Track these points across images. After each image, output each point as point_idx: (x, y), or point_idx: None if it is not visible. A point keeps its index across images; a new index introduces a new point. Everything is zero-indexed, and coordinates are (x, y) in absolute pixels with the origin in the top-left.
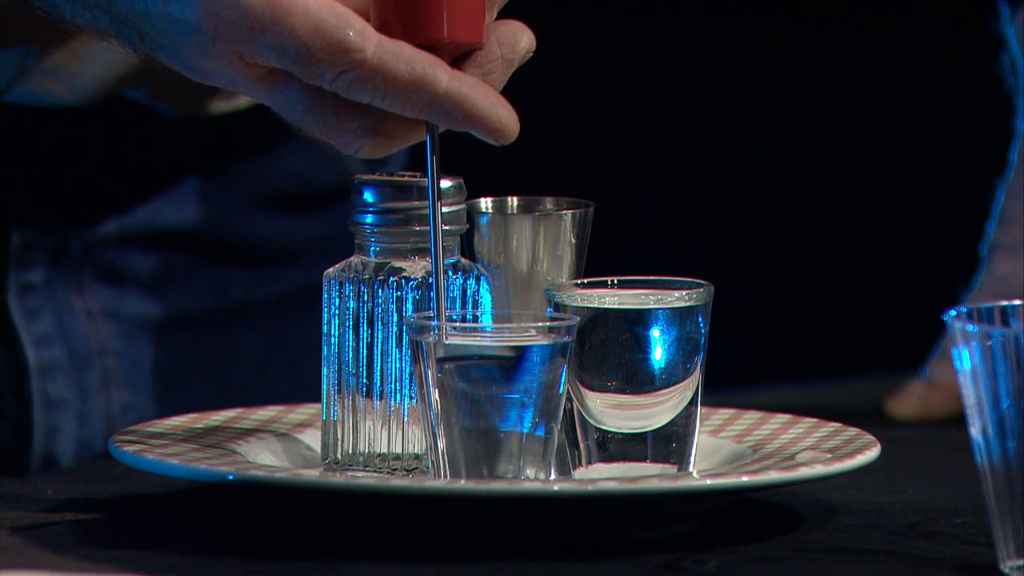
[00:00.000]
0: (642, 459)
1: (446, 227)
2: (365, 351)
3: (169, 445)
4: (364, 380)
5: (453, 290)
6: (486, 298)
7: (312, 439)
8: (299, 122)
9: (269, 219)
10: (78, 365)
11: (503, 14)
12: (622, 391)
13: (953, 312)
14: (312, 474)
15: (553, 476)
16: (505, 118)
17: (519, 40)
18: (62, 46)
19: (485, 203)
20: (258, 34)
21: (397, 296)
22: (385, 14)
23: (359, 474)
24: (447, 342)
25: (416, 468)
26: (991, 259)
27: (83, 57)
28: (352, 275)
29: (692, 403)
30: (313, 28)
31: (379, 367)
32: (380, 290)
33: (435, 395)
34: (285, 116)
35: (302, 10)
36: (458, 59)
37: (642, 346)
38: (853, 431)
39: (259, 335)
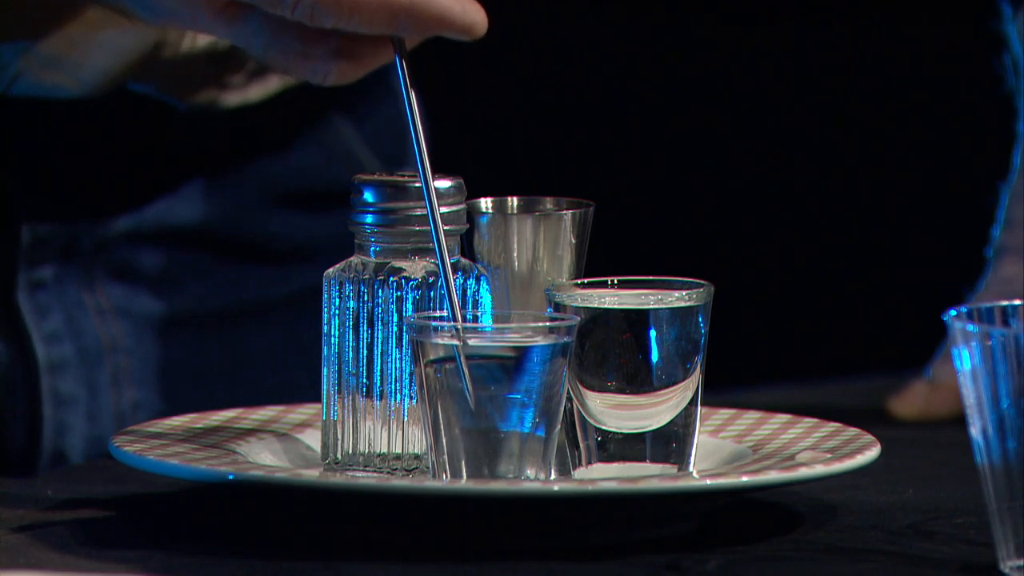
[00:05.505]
0: (642, 459)
1: (446, 227)
2: (365, 351)
3: (169, 445)
4: (364, 380)
5: None
6: (486, 298)
7: (312, 439)
8: (263, 55)
9: (282, 217)
10: (88, 362)
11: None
12: (622, 391)
13: (953, 312)
14: (312, 474)
15: (553, 476)
16: (471, 12)
17: None
18: (63, 36)
19: (485, 203)
20: None
21: (397, 296)
22: None
23: (359, 474)
24: (446, 343)
25: (416, 468)
26: (996, 262)
27: (87, 48)
28: (352, 275)
29: (692, 403)
30: None
31: (379, 367)
32: (380, 290)
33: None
34: (249, 50)
35: None
36: None
37: (642, 346)
38: (853, 431)
39: (272, 334)
